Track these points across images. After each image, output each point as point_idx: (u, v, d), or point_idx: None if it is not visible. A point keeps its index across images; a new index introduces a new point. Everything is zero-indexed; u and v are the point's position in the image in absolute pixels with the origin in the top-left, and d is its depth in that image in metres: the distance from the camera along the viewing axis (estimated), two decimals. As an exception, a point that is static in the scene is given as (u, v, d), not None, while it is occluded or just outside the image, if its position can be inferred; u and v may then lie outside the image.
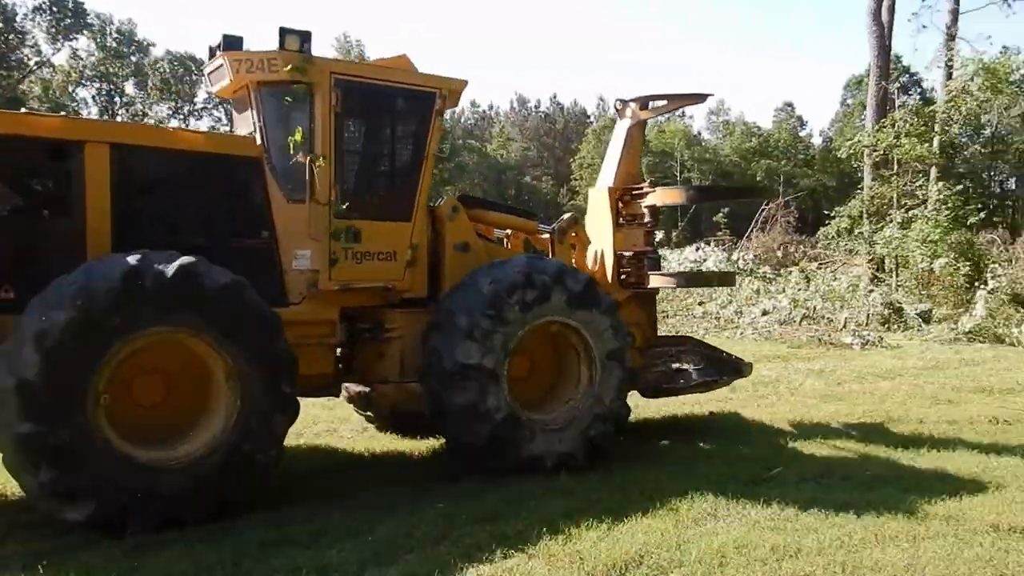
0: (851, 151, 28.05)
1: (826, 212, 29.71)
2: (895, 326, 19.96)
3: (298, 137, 6.83)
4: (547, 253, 8.66)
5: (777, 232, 29.40)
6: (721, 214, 30.54)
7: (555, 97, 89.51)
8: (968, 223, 23.55)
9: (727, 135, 73.86)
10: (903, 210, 23.87)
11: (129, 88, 62.74)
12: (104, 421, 5.56)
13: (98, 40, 58.18)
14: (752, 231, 29.41)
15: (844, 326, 19.73)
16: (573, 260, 8.74)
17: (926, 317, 20.06)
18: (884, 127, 25.62)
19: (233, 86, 7.23)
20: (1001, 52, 27.53)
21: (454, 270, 7.71)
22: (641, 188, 9.11)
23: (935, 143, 26.41)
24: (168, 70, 62.01)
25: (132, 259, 5.59)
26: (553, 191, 72.77)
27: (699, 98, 9.61)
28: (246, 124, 7.32)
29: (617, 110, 9.53)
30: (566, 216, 9.14)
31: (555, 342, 7.72)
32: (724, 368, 9.48)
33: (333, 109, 6.94)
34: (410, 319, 7.49)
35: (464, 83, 7.70)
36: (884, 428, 9.56)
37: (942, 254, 21.63)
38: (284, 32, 6.80)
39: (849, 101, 66.18)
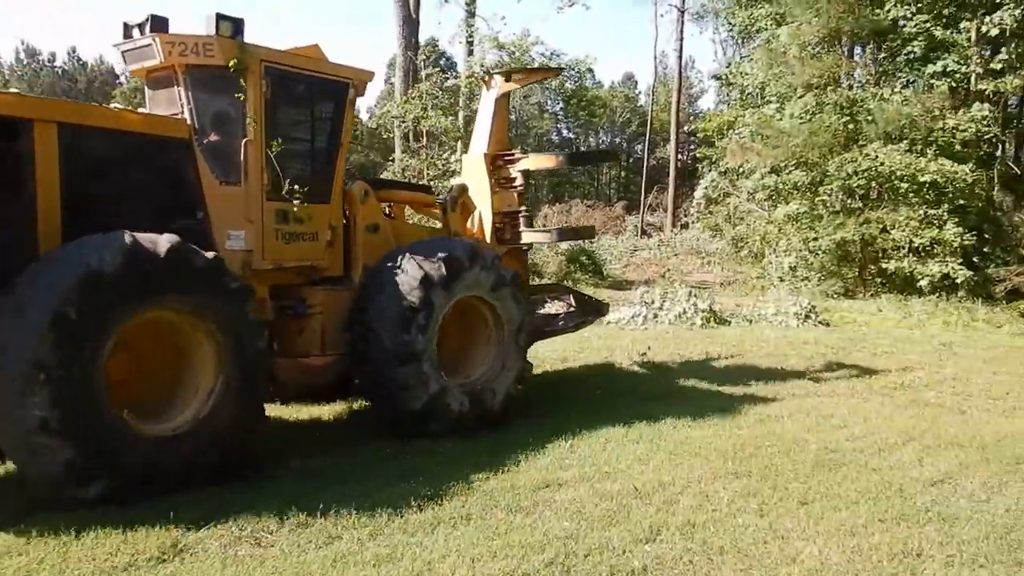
0: (380, 121, 27.32)
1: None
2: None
3: (251, 119, 7.04)
4: (439, 220, 9.50)
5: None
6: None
7: (75, 51, 78.00)
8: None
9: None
10: (429, 181, 23.62)
11: None
12: (108, 399, 5.59)
13: None
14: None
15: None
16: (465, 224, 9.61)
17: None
18: (412, 99, 25.24)
19: (160, 66, 7.10)
20: (518, 36, 28.80)
21: (366, 250, 8.27)
22: (513, 154, 9.93)
23: (460, 117, 26.77)
24: None
25: (127, 240, 5.66)
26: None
27: (554, 72, 11.72)
28: (166, 104, 7.24)
29: (484, 82, 10.28)
30: (455, 185, 9.82)
31: (464, 312, 8.31)
32: (589, 309, 10.71)
33: (263, 96, 7.11)
34: (329, 296, 7.91)
35: (371, 75, 8.15)
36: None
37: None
38: (220, 18, 6.85)
39: (393, 80, 67.39)
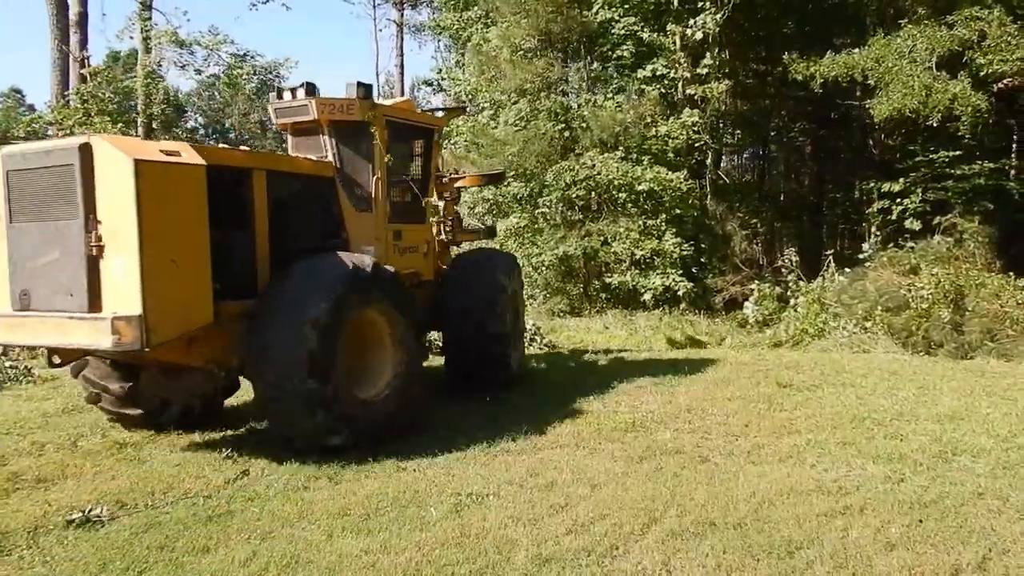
0: (28, 128, 22.36)
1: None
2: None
3: (387, 160, 9.12)
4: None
5: None
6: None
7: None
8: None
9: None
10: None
11: None
12: (343, 373, 7.33)
13: None
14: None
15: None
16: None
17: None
18: (72, 102, 20.85)
19: (310, 121, 8.87)
20: (202, 34, 25.16)
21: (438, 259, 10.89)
22: (456, 172, 12.80)
23: (139, 124, 22.73)
24: None
25: (348, 261, 7.59)
26: None
27: (462, 110, 16.11)
28: (310, 149, 9.05)
29: None
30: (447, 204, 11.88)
31: None
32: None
33: (386, 142, 9.05)
34: (423, 294, 9.91)
35: (447, 120, 11.21)
36: None
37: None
38: (359, 85, 8.78)
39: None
